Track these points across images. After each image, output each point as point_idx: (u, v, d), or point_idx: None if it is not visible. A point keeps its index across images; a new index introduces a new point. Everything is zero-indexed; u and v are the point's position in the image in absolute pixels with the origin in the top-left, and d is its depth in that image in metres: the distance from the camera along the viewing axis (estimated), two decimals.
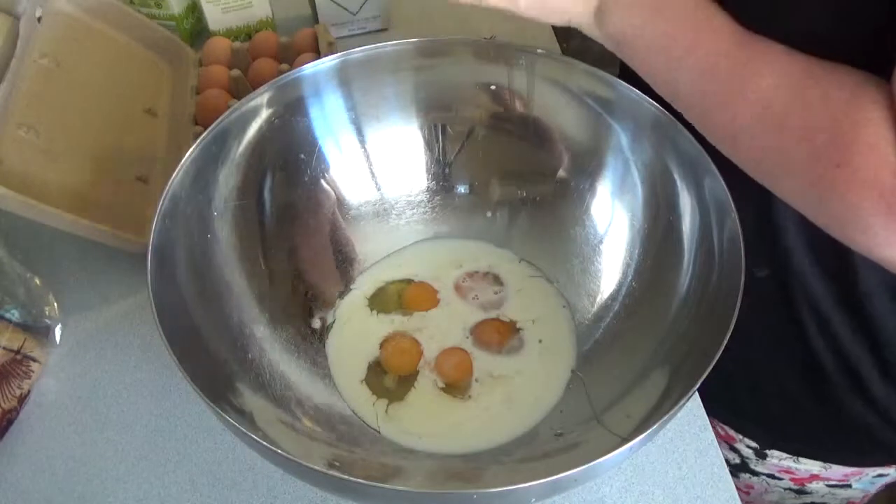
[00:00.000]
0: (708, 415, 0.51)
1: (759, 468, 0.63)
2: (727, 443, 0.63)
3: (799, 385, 0.56)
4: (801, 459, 0.60)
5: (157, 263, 0.42)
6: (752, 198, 0.43)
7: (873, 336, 0.51)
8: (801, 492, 0.63)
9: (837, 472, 0.60)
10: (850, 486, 0.61)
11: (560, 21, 0.47)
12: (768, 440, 0.61)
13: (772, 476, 0.63)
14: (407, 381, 0.50)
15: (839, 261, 0.48)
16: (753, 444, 0.62)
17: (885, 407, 0.54)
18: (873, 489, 0.63)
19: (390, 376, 0.51)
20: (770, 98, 0.37)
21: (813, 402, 0.56)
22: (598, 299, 0.52)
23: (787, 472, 0.62)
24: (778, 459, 0.61)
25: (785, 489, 0.64)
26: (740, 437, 0.62)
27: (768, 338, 0.56)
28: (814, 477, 0.61)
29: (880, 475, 0.60)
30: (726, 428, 0.63)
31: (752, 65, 0.38)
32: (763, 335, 0.55)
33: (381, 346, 0.52)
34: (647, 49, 0.44)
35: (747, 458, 0.63)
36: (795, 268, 0.50)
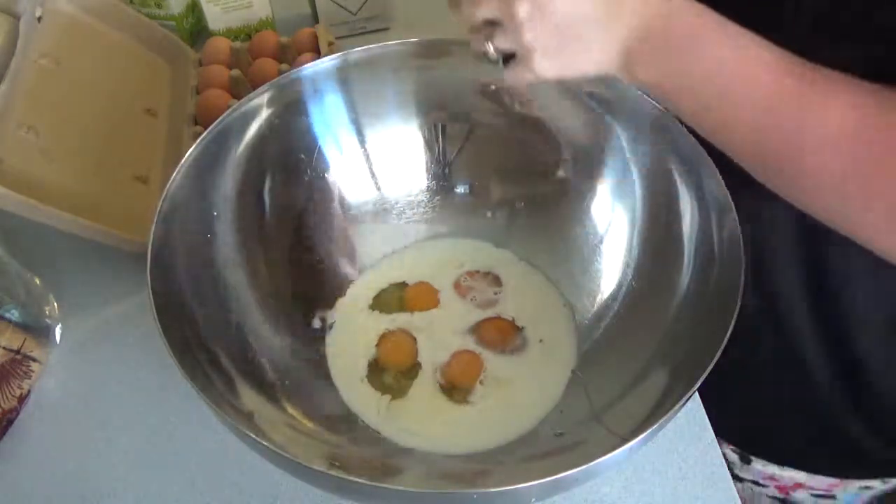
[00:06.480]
0: None
1: (743, 474, 0.63)
2: None
3: (783, 393, 0.56)
4: (784, 467, 0.60)
5: (157, 263, 0.42)
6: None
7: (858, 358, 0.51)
8: (785, 501, 0.63)
9: (821, 482, 0.59)
10: (834, 497, 0.61)
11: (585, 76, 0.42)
12: (751, 447, 0.60)
13: (756, 483, 0.63)
14: (406, 377, 0.50)
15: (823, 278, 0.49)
16: (737, 450, 0.61)
17: (868, 417, 0.54)
18: (858, 501, 0.62)
19: (390, 374, 0.51)
20: (842, 126, 0.35)
21: (796, 411, 0.56)
22: (598, 299, 0.52)
23: (771, 479, 0.61)
24: (762, 465, 0.61)
25: (770, 497, 0.63)
26: (723, 441, 0.61)
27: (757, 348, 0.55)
28: (798, 486, 0.61)
29: (866, 487, 0.60)
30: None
31: (815, 96, 0.35)
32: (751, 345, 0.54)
33: (377, 343, 0.52)
34: (692, 93, 0.39)
35: (732, 462, 0.62)
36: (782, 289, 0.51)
